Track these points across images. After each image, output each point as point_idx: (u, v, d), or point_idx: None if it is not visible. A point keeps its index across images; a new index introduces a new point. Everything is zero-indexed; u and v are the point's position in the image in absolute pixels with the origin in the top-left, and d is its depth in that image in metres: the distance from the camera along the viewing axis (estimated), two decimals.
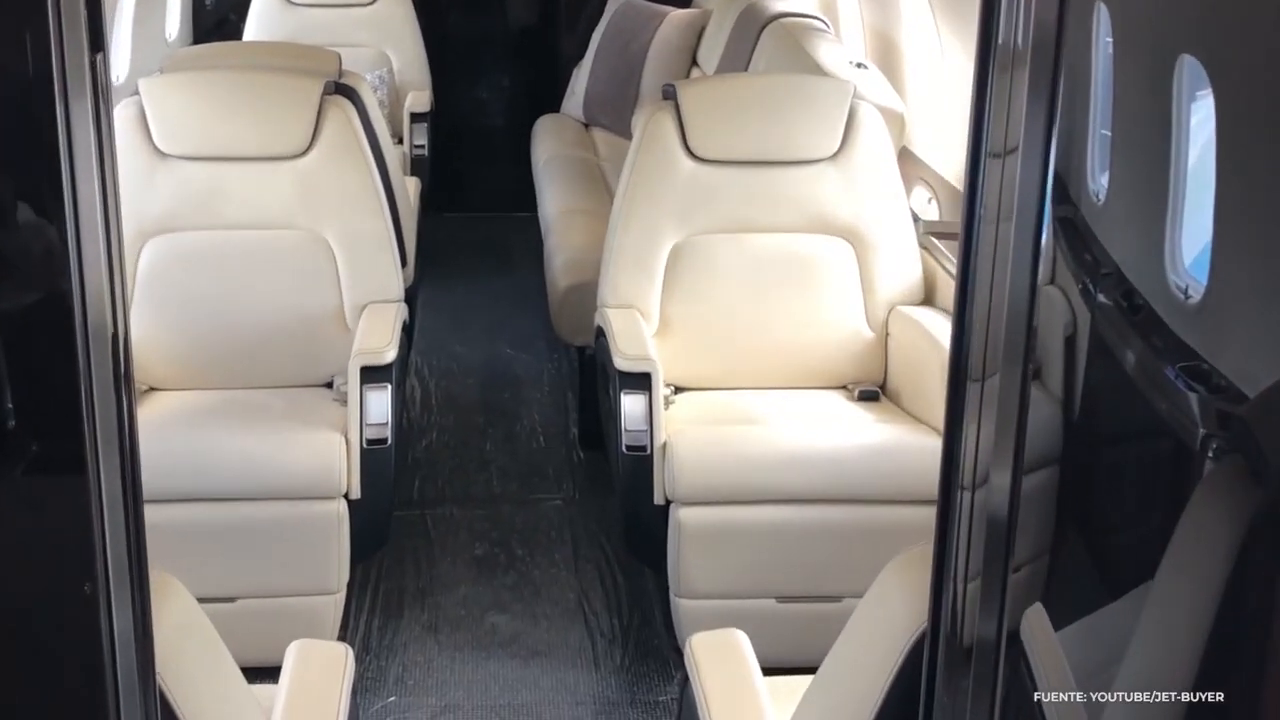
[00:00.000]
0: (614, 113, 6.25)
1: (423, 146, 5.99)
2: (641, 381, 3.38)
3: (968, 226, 1.61)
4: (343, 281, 3.74)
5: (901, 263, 3.79)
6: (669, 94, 3.77)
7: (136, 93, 3.69)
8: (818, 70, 4.45)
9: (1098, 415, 1.63)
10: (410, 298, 4.46)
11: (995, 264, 1.58)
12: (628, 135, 6.28)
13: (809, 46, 4.69)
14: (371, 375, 3.37)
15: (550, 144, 6.11)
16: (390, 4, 6.40)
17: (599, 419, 4.15)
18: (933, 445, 3.37)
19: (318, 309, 3.74)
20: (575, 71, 6.70)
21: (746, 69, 5.16)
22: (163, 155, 3.67)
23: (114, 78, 5.21)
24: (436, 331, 5.49)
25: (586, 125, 6.47)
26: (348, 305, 3.74)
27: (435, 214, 6.46)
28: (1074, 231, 1.56)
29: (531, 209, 5.92)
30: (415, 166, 5.98)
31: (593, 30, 6.67)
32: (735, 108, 3.76)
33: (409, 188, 4.85)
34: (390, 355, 3.40)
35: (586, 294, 4.29)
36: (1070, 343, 1.95)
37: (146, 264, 3.68)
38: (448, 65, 7.25)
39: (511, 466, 4.47)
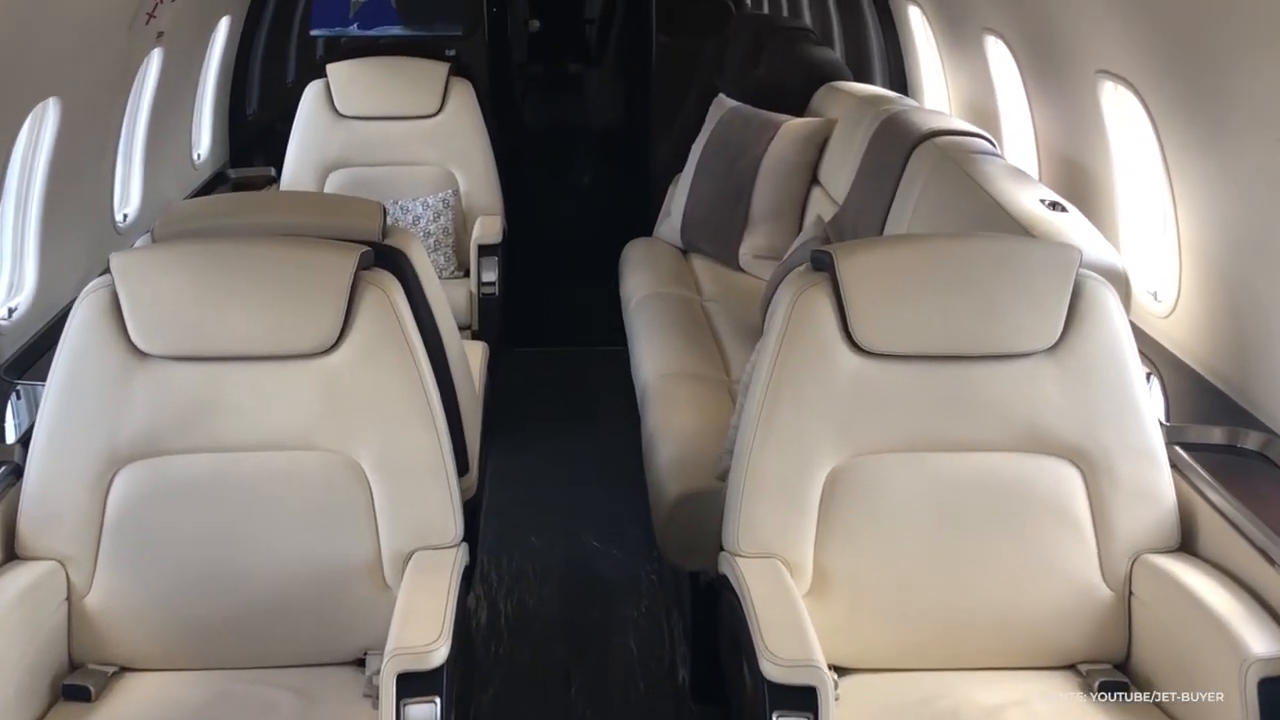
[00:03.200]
0: (718, 239, 5.27)
1: (492, 284, 5.03)
2: (804, 699, 2.34)
3: None
4: (380, 520, 2.75)
5: (1148, 492, 2.72)
6: (822, 263, 2.76)
7: (108, 271, 2.75)
8: (996, 210, 3.43)
9: None
10: (474, 507, 3.47)
11: None
12: (735, 265, 5.31)
13: (981, 178, 3.66)
14: (414, 684, 2.36)
15: (643, 277, 5.13)
16: (456, 114, 5.48)
17: (717, 663, 3.12)
18: None
19: (346, 559, 2.75)
20: (671, 189, 5.74)
21: (892, 199, 4.15)
22: (142, 356, 2.73)
23: (119, 218, 4.33)
24: (507, 514, 4.49)
25: (685, 252, 5.50)
26: (386, 553, 2.75)
27: (508, 349, 5.52)
28: None
29: (620, 343, 4.96)
30: (484, 308, 5.02)
31: (691, 138, 5.73)
32: (915, 282, 2.73)
33: (473, 358, 3.87)
34: (440, 655, 2.39)
35: (703, 505, 3.29)
36: None
37: (119, 500, 2.73)
38: (523, 180, 6.36)
39: None
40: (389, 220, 3.21)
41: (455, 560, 2.73)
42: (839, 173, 4.88)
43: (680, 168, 5.73)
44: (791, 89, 5.95)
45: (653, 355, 4.29)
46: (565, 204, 6.66)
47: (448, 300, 4.92)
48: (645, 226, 5.86)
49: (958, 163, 3.85)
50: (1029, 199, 3.46)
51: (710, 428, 3.61)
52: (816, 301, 2.72)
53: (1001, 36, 4.16)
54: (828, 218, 4.75)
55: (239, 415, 2.74)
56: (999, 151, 4.04)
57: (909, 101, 4.94)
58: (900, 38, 5.76)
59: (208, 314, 2.71)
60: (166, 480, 2.74)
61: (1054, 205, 3.43)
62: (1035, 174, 4.16)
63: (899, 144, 4.22)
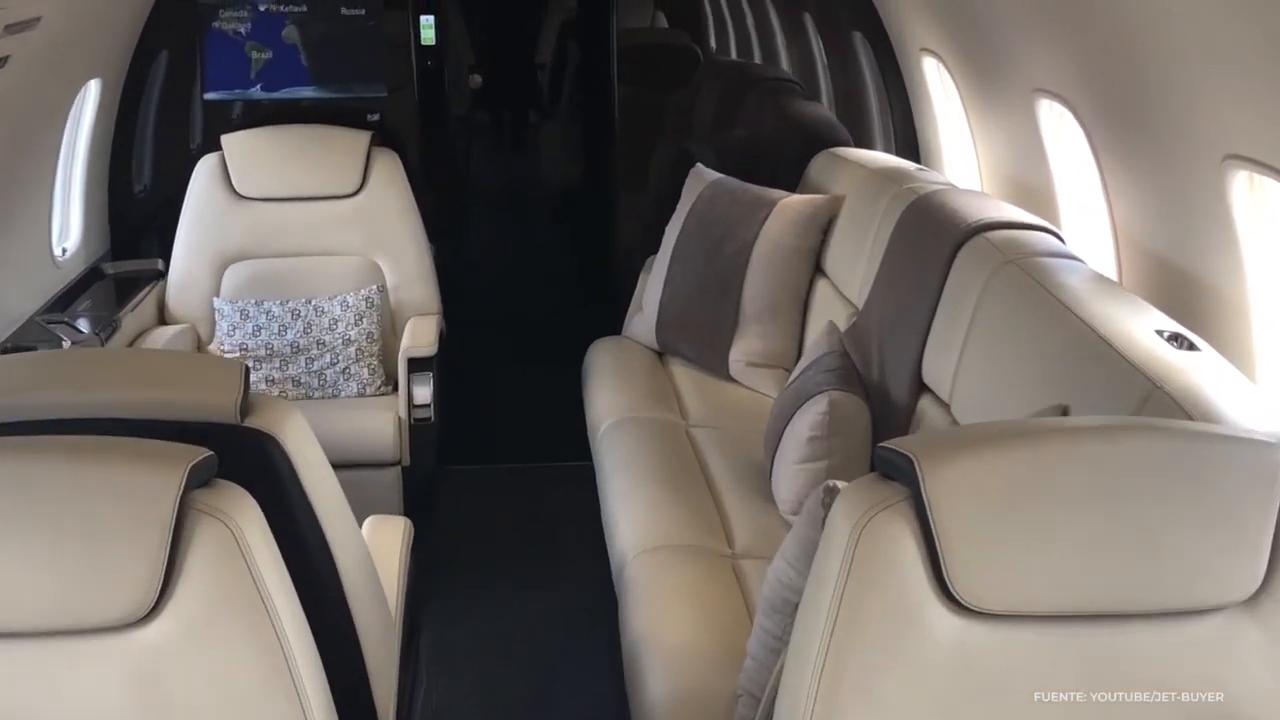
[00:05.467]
0: (703, 341, 4.33)
1: (427, 406, 4.07)
2: None
3: None
4: None
5: None
6: (897, 470, 1.81)
7: None
8: (1098, 346, 2.52)
9: None
10: None
11: None
12: (724, 374, 4.37)
13: (1065, 295, 2.75)
14: None
15: (612, 394, 4.18)
16: (381, 192, 4.54)
17: None
18: None
19: None
20: (643, 275, 4.81)
21: (934, 310, 3.23)
22: None
23: None
24: (446, 716, 3.50)
25: (661, 353, 4.56)
26: None
27: (445, 466, 4.57)
28: None
29: (584, 456, 4.05)
30: (416, 438, 4.06)
31: (662, 208, 4.83)
32: (1041, 502, 1.78)
33: (390, 547, 2.89)
34: None
35: None
36: None
37: None
38: (465, 263, 5.43)
39: None
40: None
41: None
42: (851, 263, 3.97)
43: (652, 245, 4.83)
44: (779, 154, 5.08)
45: (630, 516, 3.33)
46: (516, 288, 5.73)
47: (369, 428, 4.01)
48: (612, 317, 4.93)
49: (1028, 271, 2.93)
50: (1141, 330, 2.55)
51: (717, 643, 2.67)
52: (892, 533, 1.78)
53: (1067, 102, 3.27)
54: (840, 320, 3.84)
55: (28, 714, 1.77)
56: (1074, 252, 3.13)
57: (935, 176, 4.04)
58: (910, 95, 4.88)
59: None
60: None
61: (1176, 339, 2.52)
62: (1114, 276, 3.26)
63: (938, 237, 3.31)
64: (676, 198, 4.78)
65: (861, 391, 3.37)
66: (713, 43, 6.01)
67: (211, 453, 1.85)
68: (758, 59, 6.11)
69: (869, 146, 5.14)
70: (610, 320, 4.93)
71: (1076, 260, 3.06)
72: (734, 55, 6.31)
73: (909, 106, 4.91)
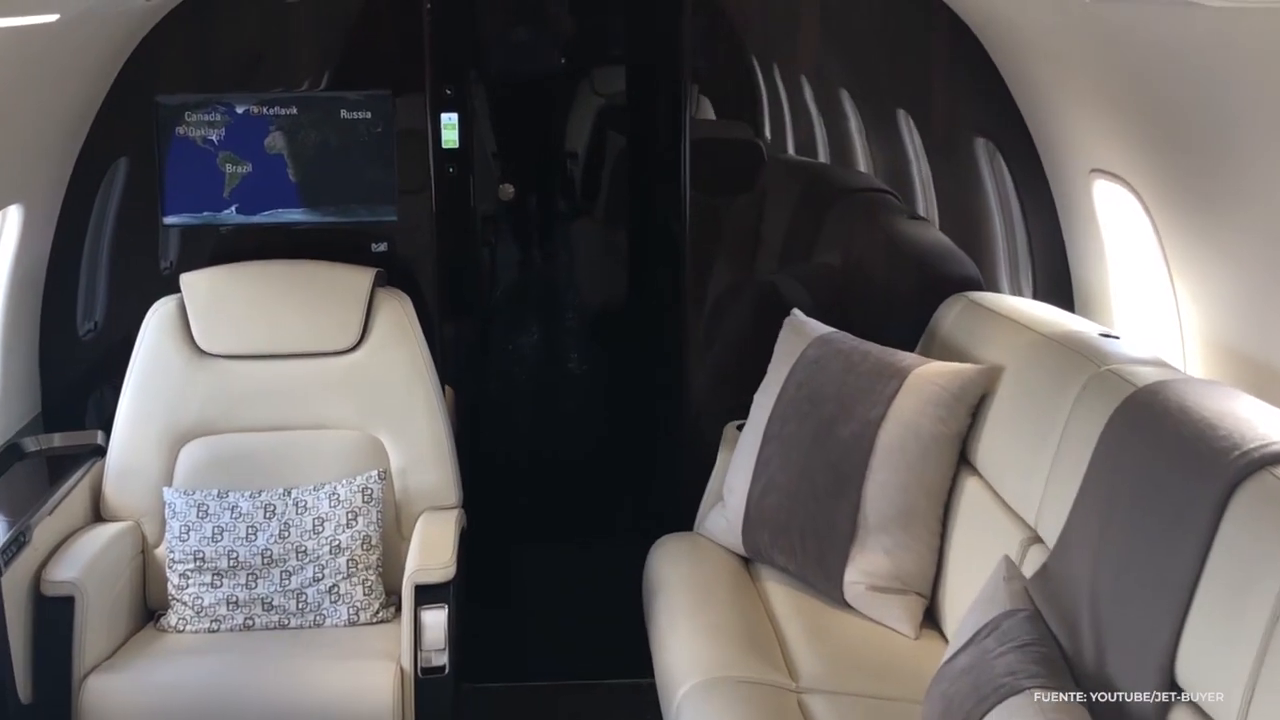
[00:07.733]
0: (808, 553, 3.26)
1: (441, 651, 3.00)
2: None
3: None
4: None
5: None
6: None
7: None
8: None
9: None
10: None
11: None
12: (837, 599, 3.22)
13: None
14: None
15: (689, 631, 3.10)
16: (386, 347, 3.51)
17: None
18: None
19: None
20: (723, 453, 3.74)
21: (1198, 574, 2.14)
22: None
23: None
24: None
25: (748, 560, 3.49)
26: None
27: (461, 682, 3.49)
28: None
29: (641, 673, 3.04)
30: (422, 699, 2.98)
31: (744, 364, 3.81)
32: None
33: None
34: None
35: None
36: None
37: None
38: (492, 422, 4.40)
39: None
40: None
41: None
42: (1023, 468, 2.90)
43: (729, 404, 3.81)
44: (888, 292, 4.05)
45: None
46: (553, 449, 4.69)
47: (357, 688, 2.90)
48: (679, 496, 3.87)
49: None
50: None
51: None
52: None
53: None
54: (1012, 548, 2.79)
55: None
56: None
57: (1133, 350, 2.96)
58: (1063, 224, 3.85)
59: None
60: None
61: None
62: None
63: (1193, 465, 2.24)
64: (757, 339, 3.78)
65: (1073, 685, 2.29)
66: (769, 135, 4.95)
67: None
68: (823, 159, 5.02)
69: (991, 282, 4.10)
70: (676, 498, 3.88)
71: None
72: (793, 153, 5.22)
73: (1060, 239, 3.87)
